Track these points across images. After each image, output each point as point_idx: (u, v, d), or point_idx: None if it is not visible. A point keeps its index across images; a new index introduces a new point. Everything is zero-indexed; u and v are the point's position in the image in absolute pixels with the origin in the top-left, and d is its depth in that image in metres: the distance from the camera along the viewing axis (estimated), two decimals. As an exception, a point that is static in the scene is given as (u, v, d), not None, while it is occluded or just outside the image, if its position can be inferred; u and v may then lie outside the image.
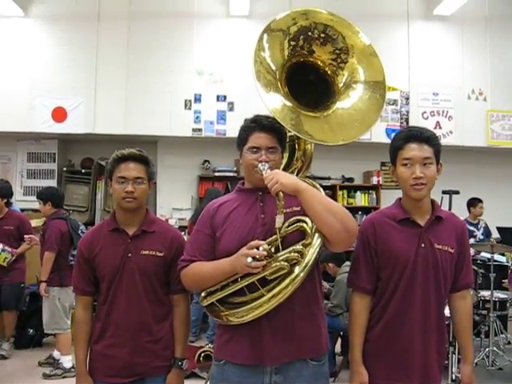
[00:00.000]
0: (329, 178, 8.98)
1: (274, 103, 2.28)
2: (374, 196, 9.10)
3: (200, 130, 8.20)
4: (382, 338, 2.41)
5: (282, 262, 2.11)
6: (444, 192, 7.24)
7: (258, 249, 2.11)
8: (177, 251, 2.60)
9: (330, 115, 2.37)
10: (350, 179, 9.15)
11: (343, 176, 9.10)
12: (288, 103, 2.31)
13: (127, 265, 2.57)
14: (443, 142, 8.51)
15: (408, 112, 8.71)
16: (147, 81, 8.13)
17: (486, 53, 8.73)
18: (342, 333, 5.60)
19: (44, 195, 5.65)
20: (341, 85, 2.45)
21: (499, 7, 8.80)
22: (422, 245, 2.39)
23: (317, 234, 2.18)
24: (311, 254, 2.16)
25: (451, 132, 8.71)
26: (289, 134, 2.44)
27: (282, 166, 2.43)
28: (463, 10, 8.54)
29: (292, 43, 2.42)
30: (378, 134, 8.51)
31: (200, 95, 8.19)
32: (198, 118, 8.18)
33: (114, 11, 8.25)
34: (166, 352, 2.66)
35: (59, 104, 7.99)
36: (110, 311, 2.59)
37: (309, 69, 2.50)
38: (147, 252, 2.59)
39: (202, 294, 2.31)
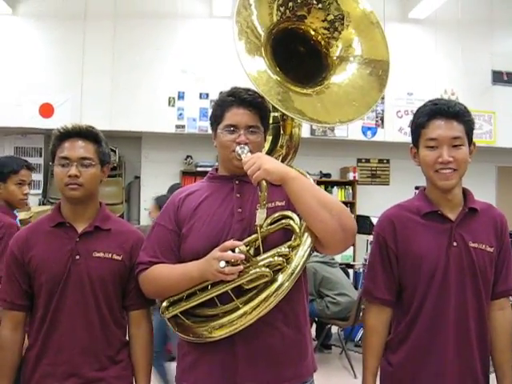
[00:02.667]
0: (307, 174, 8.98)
1: (257, 72, 1.79)
2: (350, 191, 8.90)
3: (183, 126, 8.01)
4: (408, 362, 1.89)
5: (264, 268, 1.64)
6: (417, 188, 7.42)
7: (233, 251, 1.63)
8: None
9: (324, 92, 1.90)
10: (328, 175, 8.96)
11: (321, 172, 8.91)
12: (274, 76, 1.82)
13: (74, 270, 1.90)
14: None
15: (383, 111, 8.50)
16: (132, 79, 7.89)
17: (459, 54, 8.50)
18: (316, 319, 5.59)
19: None
20: (335, 58, 1.97)
21: (471, 11, 8.56)
22: (454, 243, 1.86)
23: (306, 234, 1.69)
24: (299, 258, 1.68)
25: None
26: (272, 115, 1.94)
27: (263, 152, 1.93)
28: (437, 14, 8.31)
29: (281, 5, 1.91)
30: (355, 131, 8.38)
31: (183, 93, 8.01)
32: (181, 114, 8.01)
33: (100, 10, 7.99)
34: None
35: (46, 100, 7.75)
36: (49, 332, 1.90)
37: (299, 38, 2.01)
38: (101, 254, 1.94)
39: (164, 304, 1.81)
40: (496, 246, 1.91)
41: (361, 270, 6.33)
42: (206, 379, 1.78)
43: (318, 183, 8.58)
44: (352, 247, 8.60)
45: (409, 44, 8.48)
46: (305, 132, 8.16)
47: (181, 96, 8.06)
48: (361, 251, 8.20)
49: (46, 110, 7.74)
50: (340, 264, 7.00)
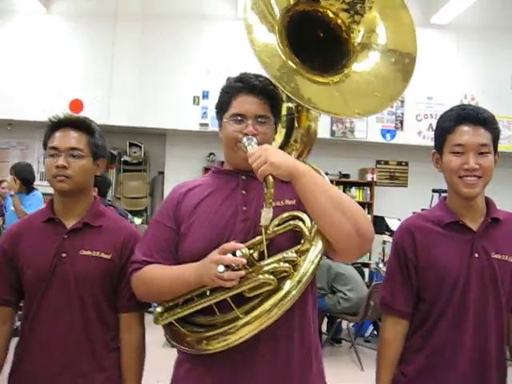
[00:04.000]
0: (326, 174, 8.87)
1: (269, 57, 1.55)
2: (368, 192, 8.75)
3: (207, 124, 7.93)
4: (423, 373, 1.76)
5: (267, 275, 1.40)
6: (434, 191, 7.42)
7: (234, 254, 1.41)
8: (131, 255, 1.74)
9: (344, 81, 1.66)
10: (347, 175, 8.82)
11: (340, 172, 8.77)
12: (288, 62, 1.58)
13: (59, 268, 1.74)
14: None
15: (403, 114, 8.33)
16: (158, 77, 7.87)
17: (480, 60, 8.30)
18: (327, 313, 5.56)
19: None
20: (356, 44, 1.73)
21: (494, 18, 8.31)
22: (476, 254, 1.73)
23: (317, 238, 1.46)
24: (308, 264, 1.44)
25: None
26: (286, 105, 1.71)
27: (275, 146, 1.68)
28: (459, 19, 8.07)
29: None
30: (374, 133, 8.27)
31: (208, 92, 7.92)
32: (205, 113, 7.93)
33: (129, 11, 8.02)
34: None
35: (76, 96, 7.77)
36: (30, 331, 1.77)
37: (317, 22, 1.76)
38: (89, 252, 1.77)
39: (158, 310, 1.58)
40: None
41: (380, 266, 6.34)
42: None
43: (337, 183, 8.49)
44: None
45: (430, 49, 8.31)
46: (325, 133, 8.07)
47: (205, 95, 7.99)
48: (376, 250, 8.20)
49: (76, 106, 7.74)
50: (356, 263, 7.01)
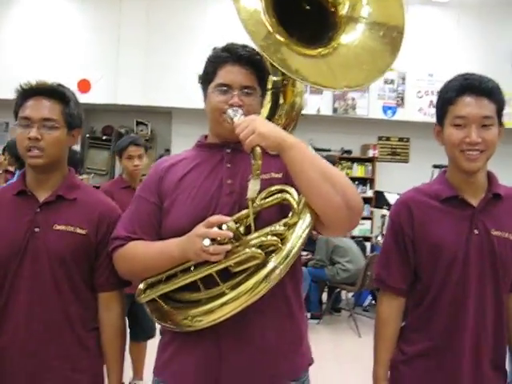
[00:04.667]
0: (329, 150, 8.47)
1: (255, 26, 1.49)
2: (370, 168, 8.77)
3: None
4: (428, 353, 1.69)
5: (254, 249, 1.35)
6: (435, 166, 7.49)
7: (220, 227, 1.35)
8: (108, 230, 1.66)
9: (331, 53, 1.60)
10: (349, 151, 8.83)
11: (342, 148, 8.78)
12: (275, 32, 1.53)
13: (32, 244, 1.62)
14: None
15: (404, 91, 8.31)
16: (164, 57, 7.87)
17: (480, 36, 8.24)
18: (327, 282, 5.89)
19: None
20: (343, 16, 1.66)
21: None
22: (475, 231, 1.64)
23: (306, 211, 1.41)
24: (296, 238, 1.39)
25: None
26: (271, 79, 1.64)
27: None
28: None
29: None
30: (375, 110, 8.30)
31: None
32: None
33: None
34: (85, 377, 1.68)
35: (84, 76, 7.78)
36: (5, 309, 1.62)
37: None
38: (63, 227, 1.64)
39: (141, 286, 1.52)
40: None
41: (379, 239, 6.49)
42: (183, 375, 1.50)
43: (340, 159, 8.42)
44: (369, 220, 8.73)
45: (431, 26, 8.23)
46: (327, 110, 8.07)
47: None
48: (376, 225, 8.31)
49: (84, 86, 7.77)
50: (358, 237, 7.16)
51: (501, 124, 1.64)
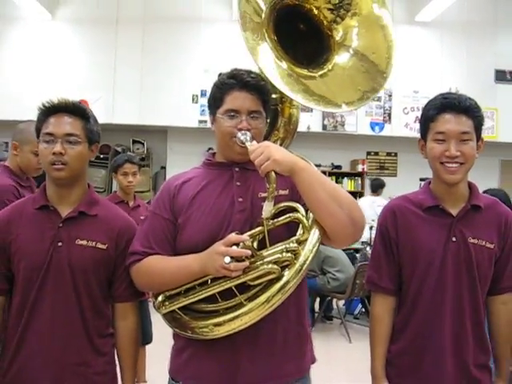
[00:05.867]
0: (319, 165, 8.50)
1: (262, 56, 1.55)
2: (360, 182, 8.86)
3: (205, 121, 7.83)
4: (407, 352, 1.77)
5: (272, 265, 1.42)
6: (421, 179, 7.57)
7: (237, 245, 1.42)
8: (127, 245, 1.69)
9: (327, 75, 1.66)
10: (339, 166, 8.91)
11: (332, 163, 8.88)
12: (280, 61, 1.58)
13: (55, 258, 1.64)
14: None
15: (391, 107, 8.41)
16: (159, 78, 7.96)
17: (463, 54, 8.34)
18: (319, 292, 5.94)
19: None
20: (338, 39, 1.73)
21: (476, 13, 8.38)
22: (453, 238, 1.72)
23: (314, 228, 1.48)
24: (307, 253, 1.46)
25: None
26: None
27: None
28: (443, 16, 8.13)
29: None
30: (363, 127, 8.40)
31: (206, 91, 7.79)
32: (203, 110, 7.96)
33: (130, 15, 8.10)
34: (105, 380, 1.74)
35: (82, 97, 7.66)
36: (28, 321, 1.64)
37: (299, 16, 1.74)
38: (85, 242, 1.67)
39: (159, 299, 1.55)
40: (498, 242, 1.75)
41: (368, 251, 6.56)
42: (204, 375, 1.54)
43: (330, 174, 8.54)
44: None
45: (415, 45, 8.30)
46: (317, 127, 8.14)
47: (203, 94, 8.04)
48: (364, 236, 8.38)
49: None
50: (349, 249, 7.23)
51: (479, 139, 1.72)
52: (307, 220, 1.49)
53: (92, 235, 1.69)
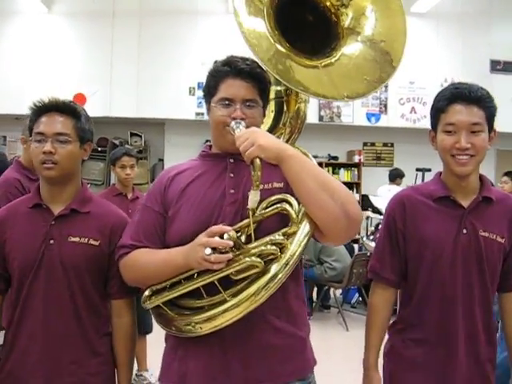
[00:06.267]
0: (316, 156, 8.97)
1: (256, 38, 1.45)
2: (356, 173, 8.83)
3: (202, 113, 7.84)
4: (419, 345, 1.70)
5: (254, 258, 1.33)
6: (418, 169, 7.59)
7: (221, 237, 1.33)
8: None
9: (333, 64, 1.57)
10: (335, 157, 8.89)
11: (329, 154, 8.85)
12: (276, 44, 1.49)
13: (47, 256, 1.63)
14: (418, 125, 8.14)
15: (387, 98, 8.38)
16: (156, 71, 7.91)
17: (459, 45, 8.29)
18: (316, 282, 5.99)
19: None
20: (345, 27, 1.63)
21: (471, 4, 8.34)
22: (464, 230, 1.65)
23: (304, 221, 1.39)
24: (295, 247, 1.37)
25: (425, 116, 8.09)
26: (275, 89, 1.61)
27: (265, 129, 1.59)
28: (438, 7, 8.09)
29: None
30: (360, 117, 8.38)
31: (202, 83, 7.98)
32: (200, 103, 7.92)
33: (126, 9, 8.03)
34: (99, 380, 1.69)
35: (79, 90, 7.77)
36: (20, 320, 1.64)
37: (305, 4, 1.66)
38: (77, 239, 1.65)
39: (146, 293, 1.50)
40: (508, 237, 1.69)
41: (364, 239, 6.58)
42: (193, 377, 1.47)
43: (326, 165, 8.53)
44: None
45: (411, 36, 8.40)
46: (313, 118, 8.07)
47: (200, 86, 7.87)
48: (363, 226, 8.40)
49: (79, 100, 7.67)
50: (346, 240, 7.23)
51: (491, 129, 1.65)
52: (297, 213, 1.39)
53: (84, 232, 1.67)
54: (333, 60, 1.58)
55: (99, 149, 8.57)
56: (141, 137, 8.60)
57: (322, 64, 1.56)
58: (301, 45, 1.58)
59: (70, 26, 8.18)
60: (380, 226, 1.85)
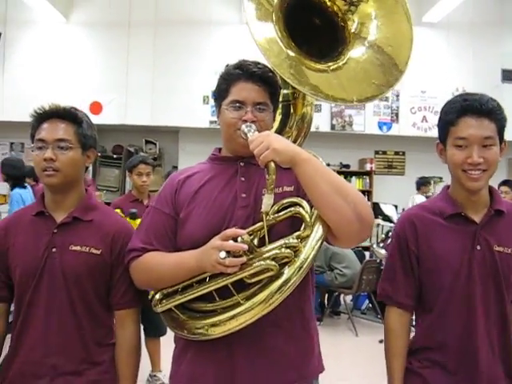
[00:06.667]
0: (328, 164, 8.93)
1: (268, 43, 1.46)
2: (368, 181, 8.78)
3: (216, 122, 8.18)
4: (439, 367, 1.61)
5: (269, 261, 1.31)
6: (420, 178, 7.52)
7: (235, 240, 1.32)
8: (122, 250, 1.62)
9: (341, 68, 1.57)
10: (347, 165, 8.87)
11: (341, 163, 8.84)
12: (287, 48, 1.49)
13: (49, 264, 1.60)
14: (429, 133, 8.11)
15: (398, 107, 8.35)
16: (170, 79, 7.96)
17: (470, 55, 8.27)
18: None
19: None
20: (352, 31, 1.64)
21: (483, 14, 8.32)
22: (478, 247, 1.58)
23: (318, 224, 1.37)
24: (308, 250, 1.35)
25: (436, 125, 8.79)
26: (282, 92, 1.60)
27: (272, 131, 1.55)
28: (449, 17, 8.08)
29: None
30: (371, 126, 8.35)
31: None
32: (214, 111, 8.17)
33: (142, 19, 8.12)
34: None
35: (95, 99, 7.89)
36: (22, 328, 1.61)
37: (313, 8, 1.66)
38: (78, 248, 1.61)
39: (157, 296, 1.48)
40: None
41: (374, 247, 6.57)
42: (202, 379, 1.46)
43: (338, 173, 8.30)
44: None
45: (422, 46, 8.30)
46: (325, 126, 8.11)
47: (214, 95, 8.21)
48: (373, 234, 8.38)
49: (96, 108, 7.89)
50: (357, 247, 7.25)
51: (502, 141, 1.58)
52: (310, 216, 1.38)
53: (86, 240, 1.63)
54: (341, 64, 1.58)
55: (114, 156, 8.65)
56: (155, 144, 8.65)
57: (331, 68, 1.57)
58: (307, 48, 1.58)
59: (87, 35, 8.27)
60: (389, 243, 1.77)
